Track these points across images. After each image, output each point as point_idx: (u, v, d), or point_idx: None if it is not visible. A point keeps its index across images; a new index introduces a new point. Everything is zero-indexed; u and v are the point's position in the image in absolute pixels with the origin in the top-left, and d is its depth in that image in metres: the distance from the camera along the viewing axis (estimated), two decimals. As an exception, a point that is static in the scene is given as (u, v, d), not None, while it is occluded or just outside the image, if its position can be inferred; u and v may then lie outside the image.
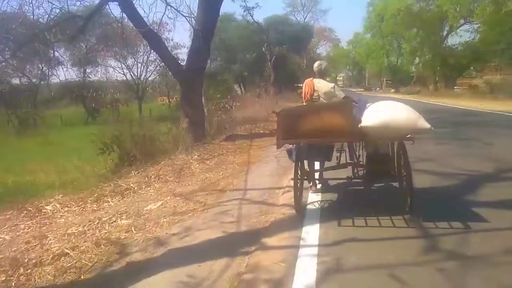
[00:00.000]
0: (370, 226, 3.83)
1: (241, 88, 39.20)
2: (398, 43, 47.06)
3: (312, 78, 4.92)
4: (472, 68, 30.56)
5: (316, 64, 5.04)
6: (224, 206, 5.03)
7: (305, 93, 4.85)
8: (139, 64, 35.48)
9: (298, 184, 4.34)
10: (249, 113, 19.09)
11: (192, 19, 11.97)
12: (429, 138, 9.15)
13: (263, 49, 30.71)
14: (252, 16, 30.21)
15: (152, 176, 7.71)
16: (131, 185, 7.26)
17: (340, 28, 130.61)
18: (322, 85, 4.81)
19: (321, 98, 4.76)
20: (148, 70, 35.53)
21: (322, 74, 4.98)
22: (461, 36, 32.46)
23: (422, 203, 4.24)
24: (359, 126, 3.80)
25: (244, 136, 11.80)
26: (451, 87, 35.75)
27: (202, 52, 10.75)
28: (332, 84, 4.93)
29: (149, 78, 36.53)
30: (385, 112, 3.81)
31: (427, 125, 3.71)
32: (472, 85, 40.42)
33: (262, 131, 12.86)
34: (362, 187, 4.86)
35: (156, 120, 16.27)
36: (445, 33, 32.96)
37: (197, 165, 8.23)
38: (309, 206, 4.63)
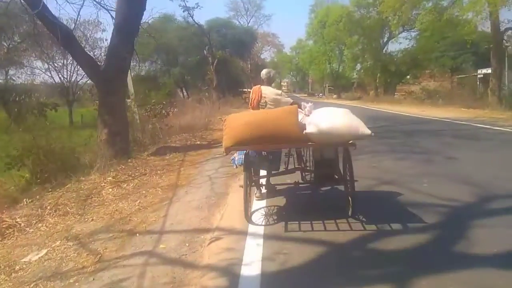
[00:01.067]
0: (316, 230, 3.88)
1: (183, 93, 37.19)
2: (340, 50, 47.48)
3: (259, 85, 4.91)
4: (409, 75, 30.94)
5: (264, 72, 5.05)
6: (121, 268, 3.39)
7: (252, 99, 4.82)
8: (70, 66, 32.16)
9: (248, 192, 4.28)
10: (188, 120, 17.37)
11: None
12: (385, 150, 8.13)
13: (205, 52, 29.06)
14: (192, 17, 28.58)
15: (49, 206, 5.87)
16: (18, 220, 5.41)
17: (284, 34, 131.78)
18: (269, 92, 4.79)
19: (268, 105, 4.70)
20: (79, 72, 32.25)
21: (269, 82, 5.00)
22: (401, 43, 33.13)
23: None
24: (303, 132, 3.84)
25: (177, 149, 10.12)
26: (391, 93, 36.46)
27: (122, 49, 8.94)
28: (279, 91, 4.94)
29: (81, 81, 33.25)
30: (328, 119, 3.83)
31: (368, 131, 3.77)
32: (409, 92, 41.67)
33: (198, 142, 11.25)
34: (309, 191, 5.11)
35: (88, 127, 14.13)
36: (385, 40, 33.29)
37: (111, 189, 6.46)
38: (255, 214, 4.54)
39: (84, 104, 38.99)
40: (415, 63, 29.37)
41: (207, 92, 30.36)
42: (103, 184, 6.69)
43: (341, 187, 4.54)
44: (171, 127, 14.69)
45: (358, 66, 37.00)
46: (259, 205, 4.81)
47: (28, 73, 33.73)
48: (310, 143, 4.00)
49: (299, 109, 4.26)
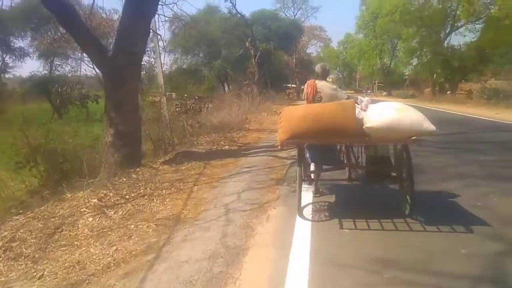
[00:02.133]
0: (373, 229, 3.65)
1: (224, 87, 35.46)
2: (392, 44, 43.77)
3: (314, 80, 4.74)
4: (474, 71, 26.97)
5: (319, 66, 4.95)
6: None
7: (307, 94, 4.65)
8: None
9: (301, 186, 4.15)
10: (223, 117, 15.49)
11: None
12: (482, 175, 5.49)
13: (247, 44, 27.04)
14: (234, 6, 26.69)
15: (1, 243, 4.15)
16: None
17: (331, 28, 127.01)
18: (324, 87, 4.63)
19: (323, 100, 4.49)
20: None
21: (324, 76, 4.87)
22: (465, 36, 29.24)
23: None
24: (364, 127, 3.68)
25: (200, 155, 8.18)
26: (449, 92, 32.72)
27: (133, 32, 7.10)
28: (334, 86, 4.81)
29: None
30: (389, 113, 3.63)
31: (432, 127, 3.58)
32: (467, 91, 37.38)
33: (227, 147, 9.26)
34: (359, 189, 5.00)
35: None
36: (446, 32, 29.50)
37: (91, 218, 4.62)
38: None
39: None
40: (482, 57, 25.57)
41: (247, 87, 28.51)
42: (85, 209, 4.84)
43: (395, 186, 4.37)
44: (201, 125, 12.87)
45: (414, 62, 33.27)
46: (309, 201, 4.66)
47: (73, 64, 33.49)
48: (367, 138, 3.81)
49: (356, 104, 3.99)
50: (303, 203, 4.30)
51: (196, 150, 8.74)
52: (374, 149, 4.38)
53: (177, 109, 15.14)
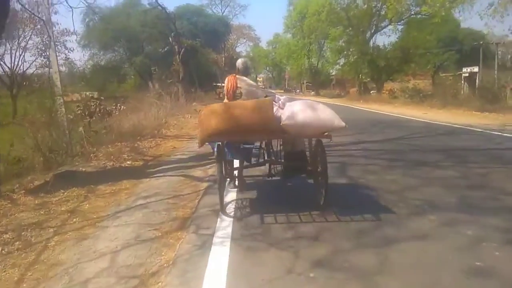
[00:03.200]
0: (292, 222, 3.72)
1: (150, 86, 32.50)
2: (319, 44, 43.85)
3: (235, 75, 4.70)
4: (399, 71, 27.30)
5: (240, 61, 4.95)
6: None
7: (227, 89, 4.62)
8: (15, 51, 27.06)
9: (222, 184, 4.20)
10: (139, 120, 13.23)
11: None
12: (456, 205, 4.07)
13: (170, 39, 24.68)
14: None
15: None
16: None
17: (260, 28, 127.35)
18: (245, 82, 4.65)
19: (243, 95, 4.52)
20: (27, 59, 27.14)
21: (245, 72, 4.86)
22: (390, 36, 29.55)
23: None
24: (281, 124, 3.81)
25: (88, 176, 6.04)
26: (371, 92, 33.27)
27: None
28: (254, 83, 4.91)
29: (29, 70, 28.11)
30: (305, 111, 3.81)
31: (342, 123, 3.79)
32: (389, 90, 38.49)
33: (129, 162, 7.13)
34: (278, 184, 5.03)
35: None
36: (372, 31, 29.53)
37: None
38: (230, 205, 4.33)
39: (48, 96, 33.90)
40: (407, 58, 25.86)
41: (173, 86, 26.18)
42: None
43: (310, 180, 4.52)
44: (107, 131, 10.59)
45: (341, 62, 33.17)
46: (232, 198, 4.61)
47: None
48: (285, 134, 3.94)
49: (274, 102, 4.04)
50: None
51: (83, 169, 6.53)
52: (291, 145, 4.47)
53: (78, 112, 12.62)
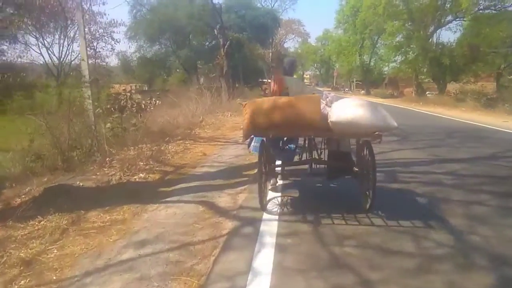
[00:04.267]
0: (336, 224, 3.57)
1: (198, 80, 31.43)
2: (372, 41, 40.77)
3: (281, 76, 4.62)
4: (466, 71, 23.92)
5: (286, 61, 4.92)
6: None
7: (273, 89, 4.53)
8: (61, 41, 26.93)
9: (263, 180, 4.01)
10: (174, 116, 11.94)
11: None
12: None
13: (216, 31, 23.24)
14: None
15: None
16: None
17: (310, 23, 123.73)
18: (291, 82, 4.57)
19: (289, 95, 4.22)
20: (74, 49, 26.94)
21: (292, 72, 4.85)
22: (455, 32, 26.23)
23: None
24: (329, 121, 3.65)
25: (83, 195, 4.56)
26: (426, 93, 30.01)
27: None
28: (301, 82, 5.14)
29: (75, 60, 27.96)
30: (353, 108, 3.58)
31: (394, 123, 3.56)
32: (455, 92, 34.69)
33: (143, 174, 5.56)
34: (320, 184, 4.85)
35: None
36: (432, 28, 26.35)
37: None
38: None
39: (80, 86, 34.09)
40: (475, 56, 22.61)
41: (217, 80, 24.83)
42: None
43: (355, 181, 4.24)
44: (136, 129, 9.25)
45: (398, 58, 30.04)
46: (273, 195, 4.45)
47: (22, 49, 28.61)
48: (331, 132, 3.76)
49: (321, 99, 3.92)
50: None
51: (81, 184, 5.05)
52: (336, 145, 4.29)
53: (108, 106, 11.43)
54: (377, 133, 3.57)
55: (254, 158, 6.63)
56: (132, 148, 7.78)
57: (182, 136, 9.12)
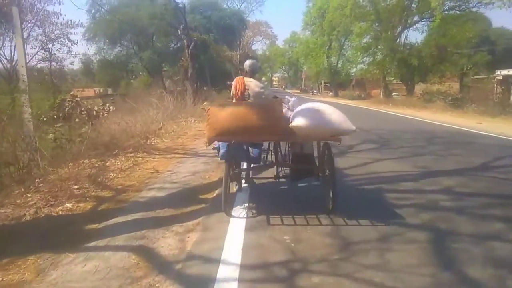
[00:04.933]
0: (299, 224, 3.59)
1: (164, 84, 29.83)
2: (340, 42, 40.53)
3: (242, 76, 4.60)
4: (434, 72, 23.75)
5: (248, 63, 4.77)
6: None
7: (235, 91, 4.47)
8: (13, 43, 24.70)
9: (228, 185, 4.00)
10: (130, 124, 10.60)
11: None
12: None
13: (179, 32, 21.93)
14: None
15: None
16: None
17: (277, 26, 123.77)
18: (253, 84, 4.48)
19: (251, 97, 4.39)
20: (30, 51, 24.71)
21: (253, 73, 4.70)
22: (422, 32, 26.05)
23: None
24: (290, 125, 3.69)
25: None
26: (392, 94, 29.94)
27: None
28: (262, 84, 4.65)
29: (30, 63, 25.72)
30: (314, 113, 3.71)
31: (352, 126, 3.65)
32: (422, 93, 34.91)
33: (70, 204, 4.32)
34: (286, 186, 4.91)
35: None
36: (399, 29, 26.13)
37: None
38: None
39: (38, 91, 31.74)
40: (443, 57, 22.44)
41: (182, 83, 23.51)
42: None
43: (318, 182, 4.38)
44: (82, 140, 7.94)
45: (366, 59, 29.65)
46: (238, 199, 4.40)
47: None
48: (294, 136, 3.80)
49: (283, 103, 4.09)
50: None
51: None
52: (300, 148, 4.33)
53: (51, 113, 10.03)
54: (335, 136, 3.67)
55: (214, 176, 5.56)
56: (72, 164, 6.51)
57: (135, 147, 7.87)
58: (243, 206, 4.16)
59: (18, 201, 4.53)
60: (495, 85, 26.78)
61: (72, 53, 24.27)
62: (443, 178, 5.23)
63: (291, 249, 3.07)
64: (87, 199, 4.53)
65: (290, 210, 3.91)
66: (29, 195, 4.79)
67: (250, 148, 4.32)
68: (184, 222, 3.71)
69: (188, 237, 3.33)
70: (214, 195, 4.63)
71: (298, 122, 3.60)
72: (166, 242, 3.25)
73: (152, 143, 8.74)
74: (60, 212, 4.10)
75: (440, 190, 4.68)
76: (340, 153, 7.19)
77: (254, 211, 3.98)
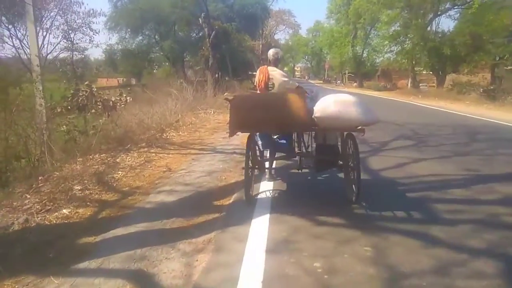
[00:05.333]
0: (321, 215, 3.48)
1: (185, 74, 29.39)
2: (366, 31, 38.96)
3: (266, 66, 4.56)
4: (468, 62, 22.10)
5: (271, 52, 4.66)
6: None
7: (259, 80, 4.47)
8: (37, 33, 24.68)
9: (250, 173, 3.95)
10: (148, 116, 10.21)
11: None
12: None
13: (200, 20, 21.31)
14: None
15: None
16: None
17: (301, 14, 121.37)
18: (277, 73, 4.46)
19: (275, 87, 4.40)
20: (51, 41, 24.68)
21: (276, 63, 4.62)
22: (455, 20, 24.42)
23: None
24: (312, 116, 3.66)
25: None
26: (419, 85, 28.36)
27: None
28: (286, 74, 4.66)
29: (51, 54, 25.74)
30: (337, 103, 3.62)
31: (375, 118, 3.63)
32: (455, 84, 33.07)
33: (67, 211, 3.80)
34: (309, 177, 4.85)
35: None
36: (430, 16, 24.56)
37: None
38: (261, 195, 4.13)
39: (58, 81, 31.80)
40: (478, 46, 20.90)
41: (203, 73, 22.97)
42: None
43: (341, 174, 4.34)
44: (95, 133, 7.57)
45: (394, 49, 28.04)
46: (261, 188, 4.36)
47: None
48: (316, 127, 3.75)
49: (306, 94, 3.90)
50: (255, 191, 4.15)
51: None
52: (323, 138, 4.27)
53: (64, 104, 9.64)
54: (359, 127, 3.55)
55: (231, 177, 4.95)
56: (80, 159, 6.06)
57: (149, 141, 7.35)
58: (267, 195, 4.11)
59: (15, 203, 4.07)
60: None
61: (93, 42, 24.05)
62: (498, 185, 4.43)
63: (324, 283, 2.42)
64: (88, 203, 4.00)
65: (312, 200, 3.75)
66: (28, 196, 4.32)
67: (277, 140, 4.38)
68: (194, 237, 3.11)
69: (197, 261, 2.72)
70: (231, 201, 4.02)
71: (321, 112, 3.59)
72: (170, 267, 2.65)
73: (168, 137, 8.21)
74: (55, 221, 3.58)
75: (499, 201, 3.91)
76: (374, 151, 6.44)
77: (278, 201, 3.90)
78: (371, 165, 5.48)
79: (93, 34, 23.96)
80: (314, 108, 3.69)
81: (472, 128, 9.19)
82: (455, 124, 10.09)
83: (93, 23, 22.02)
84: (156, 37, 28.96)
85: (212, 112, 12.86)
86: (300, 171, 4.49)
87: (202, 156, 6.30)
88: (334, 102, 3.62)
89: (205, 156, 6.34)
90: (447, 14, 24.50)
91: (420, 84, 30.98)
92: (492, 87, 19.76)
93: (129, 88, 14.46)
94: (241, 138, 5.90)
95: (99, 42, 32.34)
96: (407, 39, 25.31)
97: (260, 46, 39.98)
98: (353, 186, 3.76)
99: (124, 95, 12.04)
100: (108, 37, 40.19)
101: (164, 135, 8.33)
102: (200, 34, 27.20)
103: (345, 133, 4.04)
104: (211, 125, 10.23)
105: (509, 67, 25.78)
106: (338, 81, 54.57)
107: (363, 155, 5.45)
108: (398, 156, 5.91)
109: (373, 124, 3.63)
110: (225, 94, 22.45)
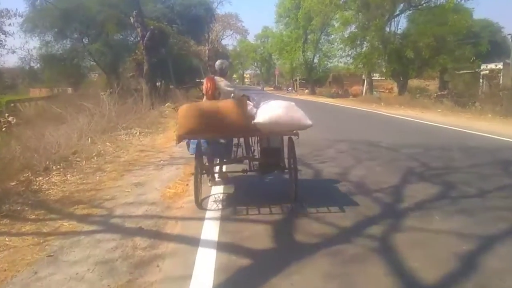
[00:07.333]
0: (262, 214, 3.87)
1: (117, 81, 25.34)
2: (316, 36, 37.26)
3: (213, 76, 4.89)
4: (431, 65, 20.63)
5: (218, 63, 5.04)
6: None
7: (206, 89, 4.72)
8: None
9: (199, 179, 4.24)
10: (34, 144, 6.75)
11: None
12: None
13: (131, 19, 17.87)
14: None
15: None
16: None
17: (247, 20, 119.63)
18: (222, 84, 4.76)
19: (221, 96, 4.64)
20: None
21: (222, 73, 4.96)
22: (412, 21, 22.92)
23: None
24: (252, 122, 3.90)
25: None
26: (373, 91, 26.93)
27: None
28: (231, 84, 4.97)
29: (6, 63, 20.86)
30: (274, 110, 3.92)
31: (309, 122, 3.93)
32: (388, 88, 32.15)
33: None
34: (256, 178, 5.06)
35: None
36: (386, 17, 22.91)
37: None
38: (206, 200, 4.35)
39: (20, 92, 26.65)
40: (441, 48, 19.32)
41: (138, 82, 19.63)
42: None
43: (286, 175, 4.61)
44: None
45: (350, 52, 26.04)
46: (209, 192, 4.66)
47: None
48: (258, 132, 4.06)
49: (248, 101, 4.22)
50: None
51: None
52: (267, 142, 4.51)
53: None
54: (295, 131, 3.96)
55: None
56: None
57: (16, 192, 4.08)
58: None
59: None
60: (481, 80, 24.43)
61: (6, 47, 19.51)
62: None
63: None
64: None
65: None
66: None
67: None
68: None
69: None
70: None
71: (260, 118, 3.85)
72: None
73: (44, 186, 4.93)
74: None
75: None
76: (393, 219, 3.71)
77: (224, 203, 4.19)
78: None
79: (5, 36, 19.47)
80: (256, 114, 3.92)
81: (486, 151, 6.83)
82: (461, 145, 7.70)
83: (5, 24, 17.70)
84: (84, 40, 24.92)
85: (138, 133, 9.62)
86: (246, 174, 4.66)
87: (76, 243, 3.19)
88: (271, 109, 3.93)
89: (83, 239, 3.23)
90: (405, 14, 23.04)
91: (374, 91, 29.66)
92: (445, 92, 18.72)
93: (10, 104, 10.88)
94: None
95: (14, 47, 27.10)
96: (365, 41, 23.43)
97: (207, 51, 37.03)
98: (293, 185, 4.15)
99: (6, 114, 8.52)
100: (25, 41, 34.89)
101: (39, 182, 5.05)
102: (138, 38, 23.73)
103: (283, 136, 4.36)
104: (128, 156, 7.03)
105: (461, 72, 25.03)
106: (290, 88, 52.82)
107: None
108: (435, 230, 3.21)
109: (306, 128, 3.88)
110: (167, 105, 19.26)
